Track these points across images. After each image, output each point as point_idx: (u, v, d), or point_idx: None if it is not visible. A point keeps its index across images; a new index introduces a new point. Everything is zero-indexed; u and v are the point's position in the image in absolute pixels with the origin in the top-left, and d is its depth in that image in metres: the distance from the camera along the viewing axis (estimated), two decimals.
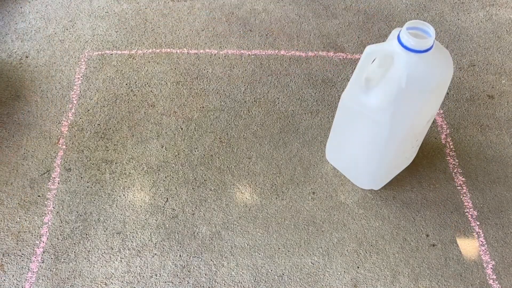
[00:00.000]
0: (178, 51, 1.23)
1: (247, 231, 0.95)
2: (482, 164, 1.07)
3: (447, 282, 0.91)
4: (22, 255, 0.91)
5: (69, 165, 1.03)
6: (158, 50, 1.23)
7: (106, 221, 0.95)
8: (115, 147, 1.06)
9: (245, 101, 1.14)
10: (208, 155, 1.05)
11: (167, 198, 0.99)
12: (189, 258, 0.91)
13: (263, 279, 0.90)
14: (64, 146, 1.05)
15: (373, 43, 0.83)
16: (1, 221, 0.95)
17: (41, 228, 0.94)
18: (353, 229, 0.96)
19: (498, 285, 0.91)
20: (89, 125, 1.09)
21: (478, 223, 0.98)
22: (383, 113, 0.83)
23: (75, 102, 1.12)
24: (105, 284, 0.88)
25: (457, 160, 1.07)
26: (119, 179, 1.01)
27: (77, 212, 0.96)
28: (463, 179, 1.04)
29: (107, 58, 1.21)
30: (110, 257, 0.91)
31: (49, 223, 0.95)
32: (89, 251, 0.92)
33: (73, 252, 0.91)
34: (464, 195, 1.02)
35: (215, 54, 1.23)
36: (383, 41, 0.84)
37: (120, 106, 1.12)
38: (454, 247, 0.95)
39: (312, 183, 1.02)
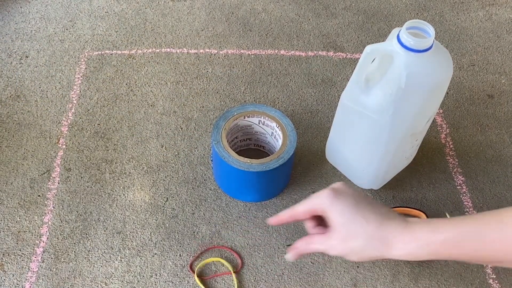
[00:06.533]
0: (178, 51, 1.23)
1: (247, 231, 0.95)
2: (482, 164, 1.07)
3: (447, 282, 0.91)
4: (22, 255, 0.91)
5: (69, 165, 1.03)
6: (158, 50, 1.23)
7: (106, 220, 0.95)
8: (115, 147, 1.06)
9: (245, 101, 1.14)
10: (208, 154, 1.05)
11: (167, 198, 0.99)
12: (189, 257, 0.92)
13: (263, 279, 0.90)
14: (64, 146, 1.05)
15: (372, 43, 0.83)
16: (1, 220, 0.95)
17: (41, 228, 0.94)
18: None
19: (498, 284, 0.91)
20: (89, 125, 1.09)
21: None
22: (383, 113, 0.83)
23: (75, 102, 1.13)
24: (105, 283, 0.88)
25: (456, 160, 1.07)
26: (119, 179, 1.01)
27: (77, 211, 0.96)
28: (463, 178, 1.04)
29: (107, 58, 1.21)
30: (110, 256, 0.91)
31: (49, 222, 0.95)
32: (89, 250, 0.92)
33: (73, 252, 0.91)
34: (464, 194, 1.02)
35: (215, 54, 1.23)
36: (383, 40, 0.84)
37: (120, 106, 1.12)
38: None
39: (312, 182, 1.02)
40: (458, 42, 1.29)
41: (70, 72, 1.18)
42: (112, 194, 0.99)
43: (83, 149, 1.05)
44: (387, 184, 1.02)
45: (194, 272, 0.89)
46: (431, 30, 0.78)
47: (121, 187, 1.00)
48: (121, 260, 0.91)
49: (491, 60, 1.25)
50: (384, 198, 1.01)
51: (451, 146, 1.09)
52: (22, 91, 1.14)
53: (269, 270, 0.91)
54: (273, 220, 0.68)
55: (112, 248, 0.92)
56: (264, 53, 1.24)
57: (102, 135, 1.07)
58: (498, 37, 1.31)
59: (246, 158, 0.90)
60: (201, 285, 0.88)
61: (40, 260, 0.90)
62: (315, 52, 1.25)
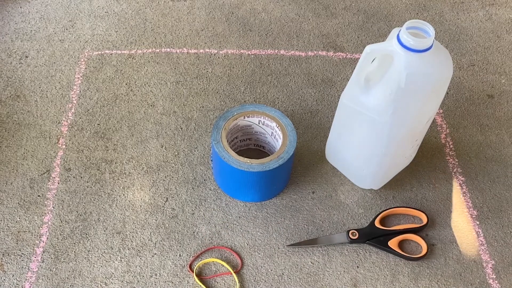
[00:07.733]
0: (177, 51, 1.23)
1: (247, 231, 0.95)
2: (482, 164, 1.07)
3: (446, 282, 0.91)
4: (22, 255, 0.91)
5: (69, 165, 1.03)
6: (157, 50, 1.23)
7: (106, 220, 0.95)
8: (115, 147, 1.06)
9: (244, 101, 1.14)
10: (208, 154, 1.05)
11: (167, 198, 0.99)
12: (189, 257, 0.92)
13: (263, 279, 0.90)
14: (64, 146, 1.05)
15: (372, 43, 0.83)
16: (1, 220, 0.95)
17: (41, 228, 0.94)
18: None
19: (497, 284, 0.91)
20: (89, 125, 1.09)
21: (477, 222, 0.98)
22: (383, 113, 0.83)
23: (75, 102, 1.13)
24: (105, 283, 0.88)
25: (456, 160, 1.07)
26: (119, 179, 1.01)
27: (77, 211, 0.96)
28: (463, 178, 1.04)
29: (107, 58, 1.21)
30: (110, 256, 0.91)
31: (49, 222, 0.95)
32: (89, 250, 0.92)
33: (73, 252, 0.91)
34: (464, 194, 1.02)
35: (214, 54, 1.23)
36: (383, 40, 0.84)
37: (120, 106, 1.12)
38: (454, 247, 0.95)
39: (311, 182, 1.02)
40: (458, 42, 1.29)
41: (70, 72, 1.18)
42: (112, 194, 0.99)
43: (83, 149, 1.05)
44: (387, 184, 1.02)
45: (193, 272, 0.89)
46: (431, 30, 0.78)
47: (121, 187, 1.00)
48: (121, 260, 0.91)
49: (491, 60, 1.25)
50: (384, 198, 1.01)
51: (451, 146, 1.09)
52: (22, 91, 1.14)
53: (269, 270, 0.91)
54: None
55: (112, 248, 0.92)
56: (264, 53, 1.24)
57: (102, 135, 1.07)
58: (498, 37, 1.31)
59: (246, 158, 0.90)
60: (201, 284, 0.88)
61: (40, 260, 0.90)
62: (315, 52, 1.25)
